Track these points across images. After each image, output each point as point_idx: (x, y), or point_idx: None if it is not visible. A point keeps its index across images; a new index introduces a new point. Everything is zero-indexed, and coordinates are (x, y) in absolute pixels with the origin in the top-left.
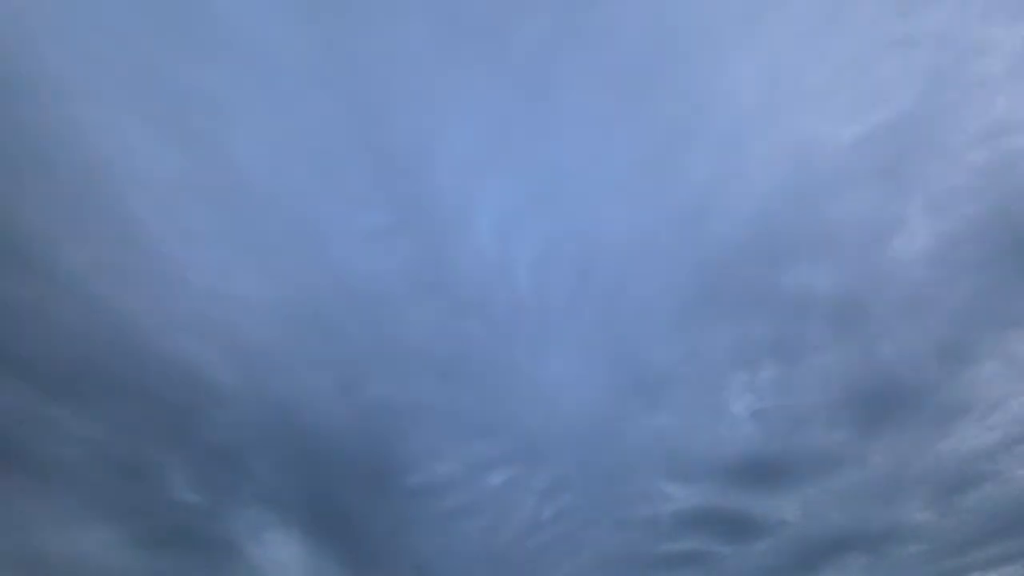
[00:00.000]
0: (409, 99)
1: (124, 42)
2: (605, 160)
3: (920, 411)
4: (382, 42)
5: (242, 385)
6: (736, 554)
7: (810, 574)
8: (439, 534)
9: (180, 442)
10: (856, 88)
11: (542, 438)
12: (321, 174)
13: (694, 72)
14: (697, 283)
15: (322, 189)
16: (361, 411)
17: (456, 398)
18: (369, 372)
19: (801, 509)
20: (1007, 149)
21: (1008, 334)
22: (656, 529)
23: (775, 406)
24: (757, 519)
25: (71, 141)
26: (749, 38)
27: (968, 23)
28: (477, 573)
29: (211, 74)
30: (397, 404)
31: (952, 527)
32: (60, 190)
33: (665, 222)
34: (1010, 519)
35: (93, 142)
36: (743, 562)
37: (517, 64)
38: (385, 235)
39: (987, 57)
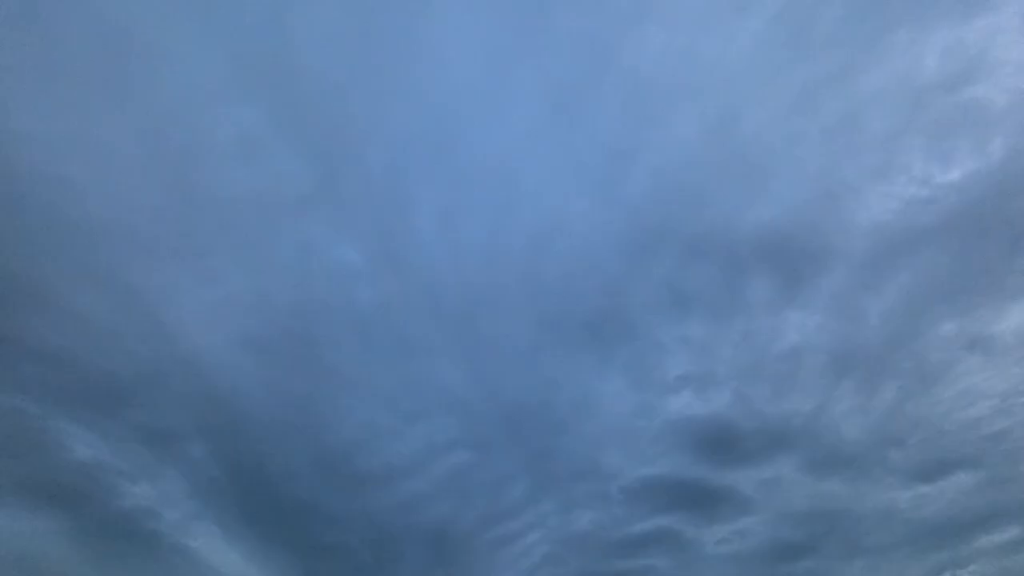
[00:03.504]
0: None
1: None
2: (506, 92)
3: (881, 390)
4: None
5: (131, 329)
6: (700, 538)
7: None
8: (393, 524)
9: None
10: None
11: (487, 421)
12: (163, 60)
13: None
14: (626, 229)
15: (168, 77)
16: (276, 375)
17: (374, 361)
18: (273, 324)
19: (761, 487)
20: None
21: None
22: (611, 513)
23: (721, 370)
24: (723, 497)
25: None
26: None
27: None
28: (435, 564)
29: None
30: (313, 368)
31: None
32: None
33: (583, 164)
34: (985, 508)
35: None
36: (706, 549)
37: None
38: (258, 145)
39: None
